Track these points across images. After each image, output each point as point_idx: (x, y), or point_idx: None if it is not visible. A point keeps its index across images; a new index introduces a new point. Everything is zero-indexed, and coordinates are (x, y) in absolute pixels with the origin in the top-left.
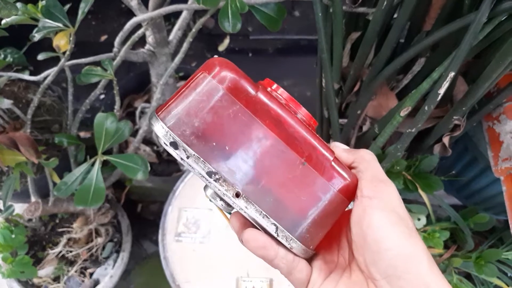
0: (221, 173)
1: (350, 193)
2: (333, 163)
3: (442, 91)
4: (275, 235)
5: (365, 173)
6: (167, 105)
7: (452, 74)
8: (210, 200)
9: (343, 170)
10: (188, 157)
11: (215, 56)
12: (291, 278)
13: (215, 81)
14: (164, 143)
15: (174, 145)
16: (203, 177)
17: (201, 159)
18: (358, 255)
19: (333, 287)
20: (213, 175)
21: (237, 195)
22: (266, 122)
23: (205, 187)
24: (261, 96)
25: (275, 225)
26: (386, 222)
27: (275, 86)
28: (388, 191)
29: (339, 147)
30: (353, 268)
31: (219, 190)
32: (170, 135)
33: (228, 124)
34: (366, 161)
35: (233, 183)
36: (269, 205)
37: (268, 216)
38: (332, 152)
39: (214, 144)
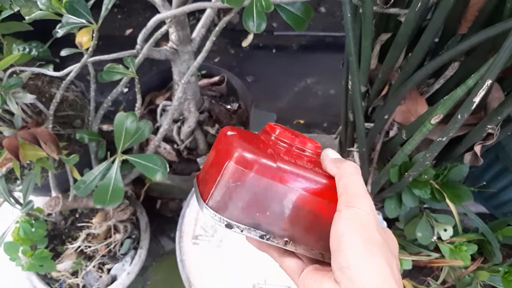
0: (270, 233)
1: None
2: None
3: (477, 99)
4: (322, 258)
5: (345, 188)
6: (211, 194)
7: (489, 82)
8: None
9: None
10: (242, 231)
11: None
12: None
13: (242, 167)
14: (219, 225)
15: (229, 226)
16: (258, 239)
17: (252, 228)
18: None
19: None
20: (264, 237)
21: (286, 243)
22: (290, 183)
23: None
24: (281, 165)
25: (321, 253)
26: (351, 231)
27: (278, 131)
28: (360, 204)
29: (327, 157)
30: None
31: (271, 243)
32: (223, 219)
33: (264, 196)
34: (347, 175)
35: (281, 236)
36: (310, 240)
37: (313, 249)
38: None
39: (257, 214)
